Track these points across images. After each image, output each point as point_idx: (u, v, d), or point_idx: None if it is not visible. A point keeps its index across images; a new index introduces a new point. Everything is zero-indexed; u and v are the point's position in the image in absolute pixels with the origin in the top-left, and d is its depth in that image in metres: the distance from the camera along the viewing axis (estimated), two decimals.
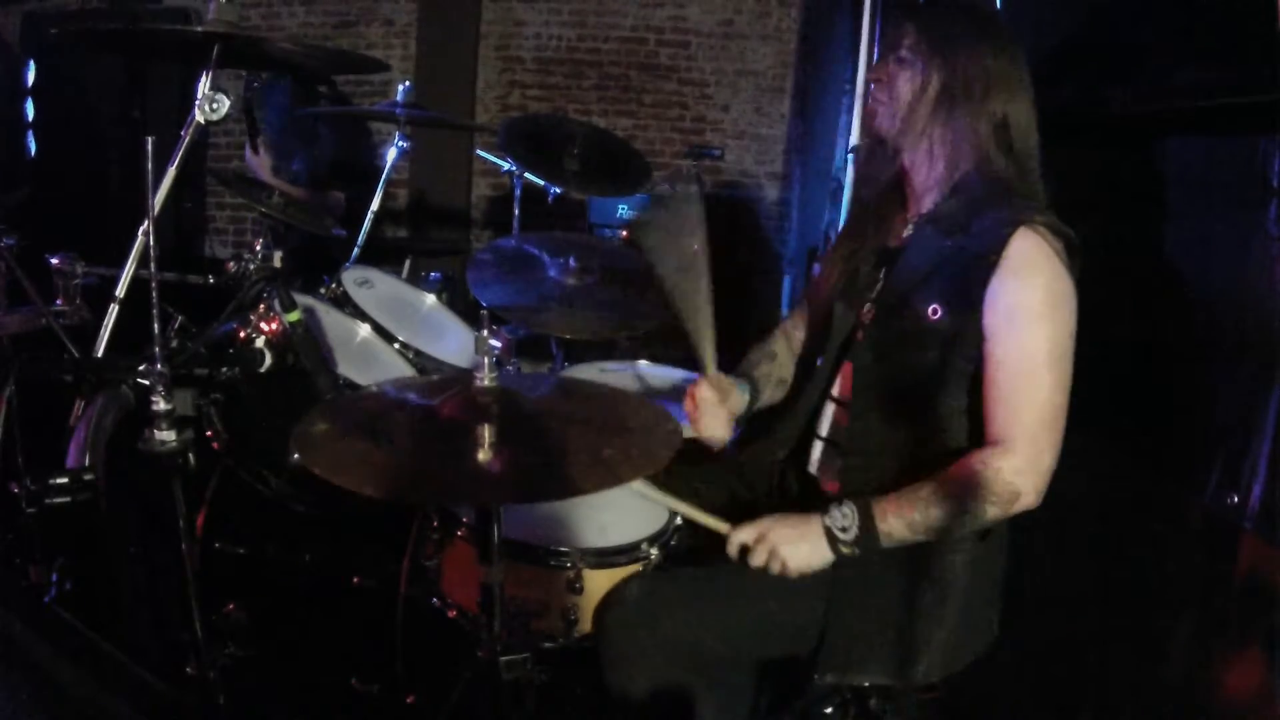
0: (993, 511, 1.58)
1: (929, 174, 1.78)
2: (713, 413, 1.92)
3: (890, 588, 1.70)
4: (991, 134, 1.69)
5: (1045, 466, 1.58)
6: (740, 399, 1.99)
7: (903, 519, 1.61)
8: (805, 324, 2.11)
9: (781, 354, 2.12)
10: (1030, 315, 1.58)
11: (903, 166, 1.83)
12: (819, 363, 1.92)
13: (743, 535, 1.70)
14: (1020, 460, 1.57)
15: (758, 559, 1.67)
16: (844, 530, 1.64)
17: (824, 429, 1.92)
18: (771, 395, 2.09)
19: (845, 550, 1.64)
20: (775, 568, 1.66)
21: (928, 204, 1.80)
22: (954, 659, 1.75)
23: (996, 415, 1.61)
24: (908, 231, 1.84)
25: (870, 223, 1.92)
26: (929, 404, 1.69)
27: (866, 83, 1.85)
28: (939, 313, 1.66)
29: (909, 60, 1.74)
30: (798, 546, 1.65)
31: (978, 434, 1.66)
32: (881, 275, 1.84)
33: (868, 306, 1.82)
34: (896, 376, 1.73)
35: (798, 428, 1.95)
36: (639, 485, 1.74)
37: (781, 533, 1.67)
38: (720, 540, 1.74)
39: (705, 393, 1.93)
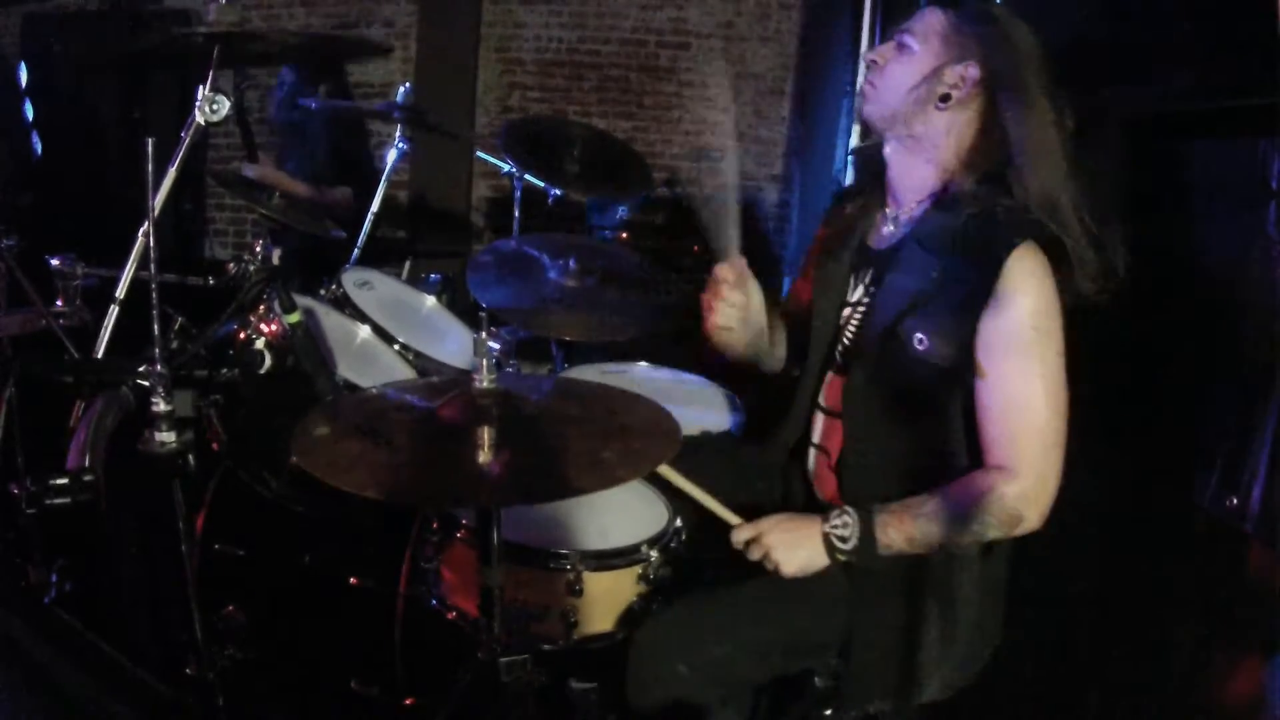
0: (994, 533, 1.58)
1: (911, 172, 1.76)
2: (730, 299, 1.85)
3: (905, 615, 1.69)
4: (984, 140, 1.66)
5: (1050, 490, 1.57)
6: (758, 301, 1.91)
7: (903, 533, 1.60)
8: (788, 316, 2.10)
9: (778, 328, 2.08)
10: (1022, 342, 1.56)
11: (885, 158, 1.80)
12: (808, 365, 1.91)
13: (744, 533, 1.70)
14: (1024, 485, 1.56)
15: (753, 555, 1.67)
16: (843, 540, 1.63)
17: (816, 436, 1.91)
18: (771, 351, 2.04)
19: (841, 558, 1.64)
20: (769, 568, 1.66)
21: (909, 205, 1.78)
22: (968, 670, 1.75)
23: (997, 443, 1.59)
24: (888, 228, 1.81)
25: (849, 215, 1.90)
26: (926, 426, 1.68)
27: (865, 64, 1.80)
28: (926, 344, 1.63)
29: (908, 47, 1.70)
30: (794, 552, 1.65)
31: (977, 451, 1.64)
32: (864, 284, 1.82)
33: (855, 319, 1.81)
34: (890, 398, 1.71)
35: (798, 431, 1.94)
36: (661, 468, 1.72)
37: (779, 536, 1.66)
38: (727, 546, 1.74)
39: (725, 273, 1.85)
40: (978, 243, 1.60)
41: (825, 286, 1.88)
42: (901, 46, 1.72)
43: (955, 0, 1.73)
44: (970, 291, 1.58)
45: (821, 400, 1.88)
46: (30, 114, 4.85)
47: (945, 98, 1.67)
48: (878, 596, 1.68)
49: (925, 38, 1.69)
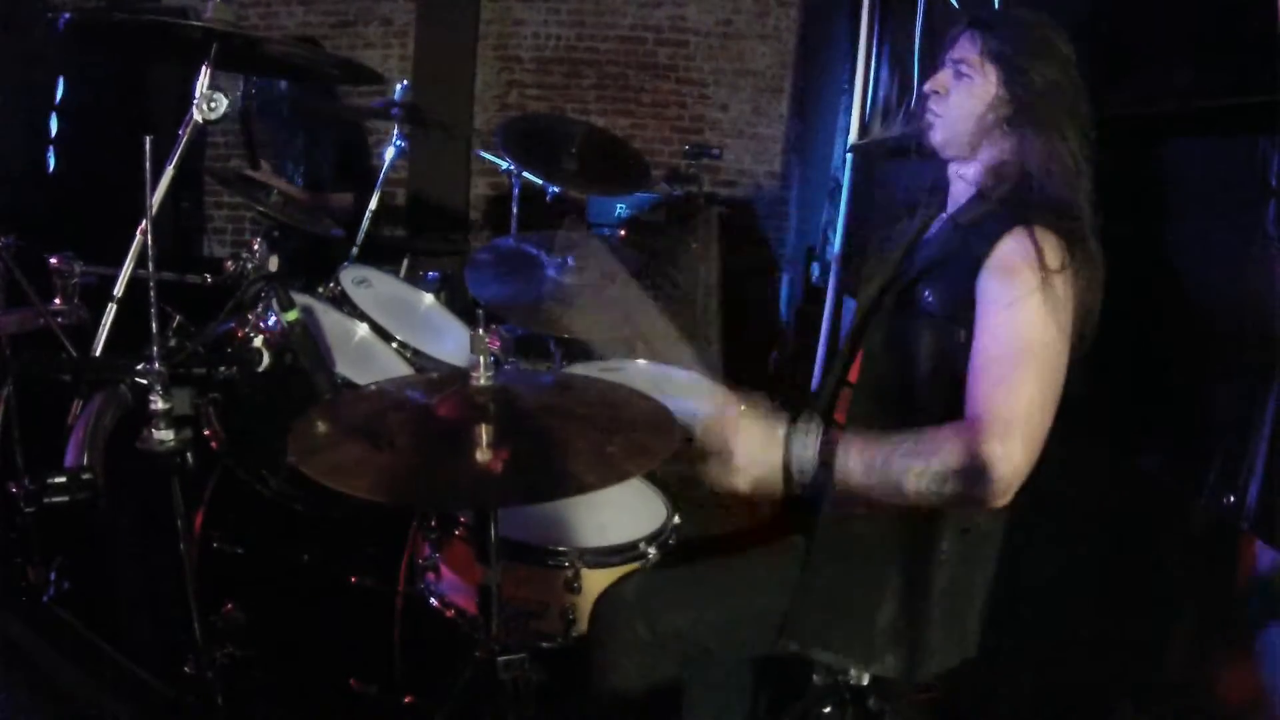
0: (950, 487, 1.52)
1: (971, 179, 1.79)
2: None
3: (867, 571, 1.69)
4: (1040, 157, 1.67)
5: (1015, 460, 1.50)
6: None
7: (862, 460, 1.56)
8: None
9: None
10: (1011, 308, 1.55)
11: (947, 177, 1.84)
12: (841, 350, 1.93)
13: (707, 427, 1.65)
14: (990, 445, 1.50)
15: (708, 440, 1.63)
16: (803, 446, 1.60)
17: (837, 412, 1.91)
18: None
19: (795, 473, 1.60)
20: (723, 457, 1.61)
21: (960, 203, 1.81)
22: (930, 662, 1.73)
23: (973, 398, 1.57)
24: (936, 226, 1.86)
25: (908, 220, 1.94)
26: (927, 390, 1.68)
27: (923, 93, 1.82)
28: (931, 300, 1.67)
29: (968, 76, 1.74)
30: (750, 439, 1.61)
31: None
32: (900, 265, 1.85)
33: (888, 293, 1.83)
34: (899, 362, 1.73)
35: (819, 409, 1.95)
36: None
37: (742, 434, 1.62)
38: (715, 539, 1.75)
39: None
40: (994, 217, 1.64)
41: (870, 277, 1.92)
42: (960, 75, 1.75)
43: (989, 21, 1.77)
44: (974, 253, 1.61)
45: (850, 378, 1.89)
46: (55, 128, 4.84)
47: (1010, 120, 1.71)
48: (839, 550, 1.68)
49: (981, 63, 1.73)
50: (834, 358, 1.97)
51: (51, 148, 4.76)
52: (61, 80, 4.71)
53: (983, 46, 1.73)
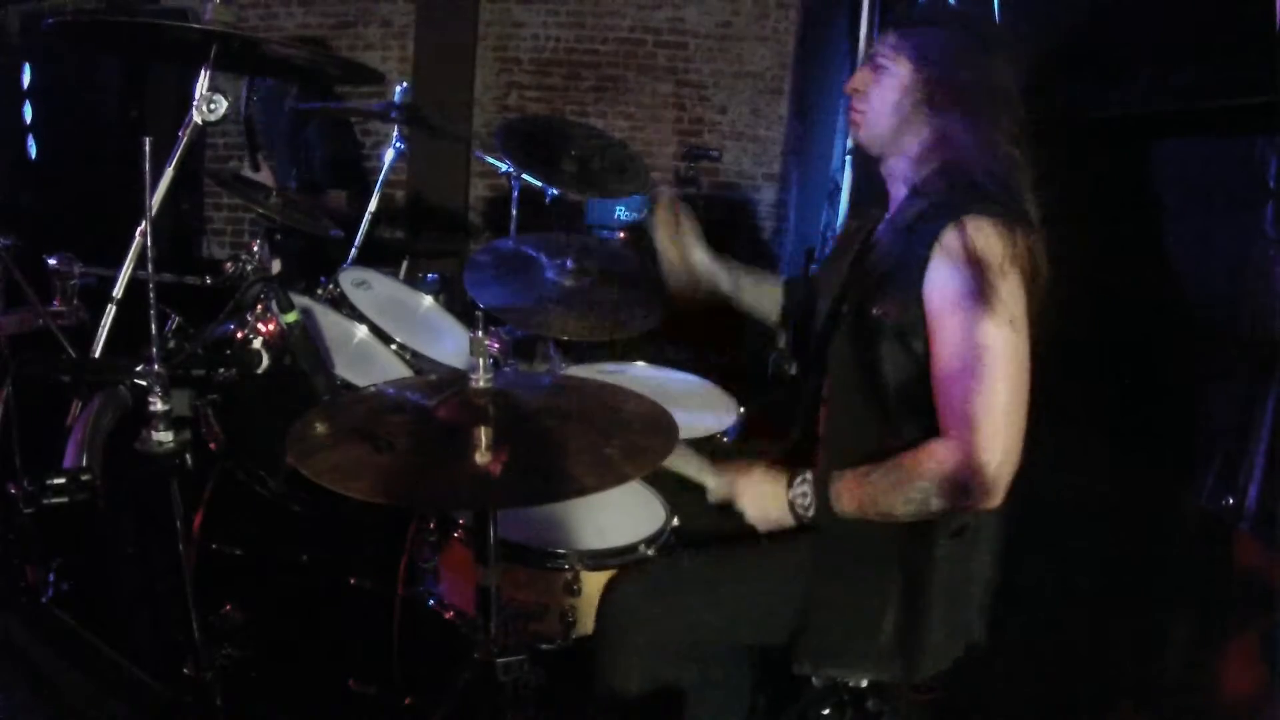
0: (937, 503, 1.57)
1: (902, 177, 1.79)
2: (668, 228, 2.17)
3: (868, 584, 1.70)
4: (962, 143, 1.67)
5: (993, 461, 1.52)
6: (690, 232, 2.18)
7: (855, 498, 1.65)
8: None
9: (771, 290, 2.22)
10: (962, 309, 1.54)
11: (883, 174, 1.84)
12: (813, 365, 1.93)
13: (719, 494, 1.82)
14: (963, 453, 1.53)
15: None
16: (805, 507, 1.71)
17: (821, 429, 1.91)
18: (751, 296, 2.21)
19: (802, 517, 1.72)
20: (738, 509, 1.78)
21: (896, 204, 1.81)
22: (933, 659, 1.73)
23: (940, 408, 1.59)
24: (882, 227, 1.85)
25: (857, 222, 1.94)
26: (895, 398, 1.68)
27: (847, 93, 1.83)
28: (884, 311, 1.65)
29: (884, 68, 1.74)
30: (765, 515, 1.76)
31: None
32: (849, 276, 1.84)
33: (844, 306, 1.83)
34: (864, 373, 1.72)
35: (798, 428, 1.96)
36: None
37: (750, 500, 1.77)
38: (714, 540, 1.76)
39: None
40: (929, 217, 1.62)
41: (825, 288, 1.90)
42: (878, 69, 1.76)
43: (907, 16, 1.79)
44: (917, 256, 1.60)
45: (825, 393, 1.89)
46: (29, 116, 4.84)
47: (931, 106, 1.70)
48: (840, 566, 1.70)
49: (896, 56, 1.74)
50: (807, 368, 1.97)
51: (30, 134, 4.77)
52: (28, 66, 4.72)
53: (896, 40, 1.74)
